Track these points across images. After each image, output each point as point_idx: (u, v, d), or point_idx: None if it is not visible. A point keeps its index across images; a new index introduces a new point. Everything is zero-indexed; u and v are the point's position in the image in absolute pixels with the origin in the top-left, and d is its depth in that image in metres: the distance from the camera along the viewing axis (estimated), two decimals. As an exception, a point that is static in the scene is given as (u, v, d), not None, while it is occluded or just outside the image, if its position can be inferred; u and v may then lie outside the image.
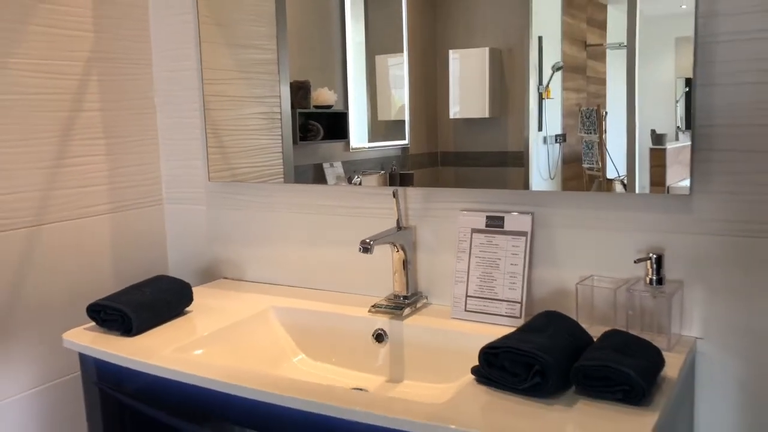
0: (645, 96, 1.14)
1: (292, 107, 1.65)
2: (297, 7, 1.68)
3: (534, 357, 0.91)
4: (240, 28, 1.65)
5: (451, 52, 1.44)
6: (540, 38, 1.32)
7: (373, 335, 1.28)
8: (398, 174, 1.52)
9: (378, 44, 1.61)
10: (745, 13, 1.02)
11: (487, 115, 1.39)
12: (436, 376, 1.18)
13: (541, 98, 1.31)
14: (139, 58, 1.65)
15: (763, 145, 1.03)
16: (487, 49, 1.38)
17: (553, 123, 1.28)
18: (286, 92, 1.64)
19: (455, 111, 1.45)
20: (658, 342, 1.04)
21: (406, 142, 1.61)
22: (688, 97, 1.08)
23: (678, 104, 1.11)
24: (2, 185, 1.36)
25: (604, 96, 1.21)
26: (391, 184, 1.45)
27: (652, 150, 1.13)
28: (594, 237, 1.18)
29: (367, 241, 1.20)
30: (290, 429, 0.99)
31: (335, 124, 1.65)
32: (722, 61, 1.04)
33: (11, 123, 1.37)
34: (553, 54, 1.30)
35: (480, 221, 1.26)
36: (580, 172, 1.25)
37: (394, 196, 1.35)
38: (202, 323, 1.32)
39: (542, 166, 1.28)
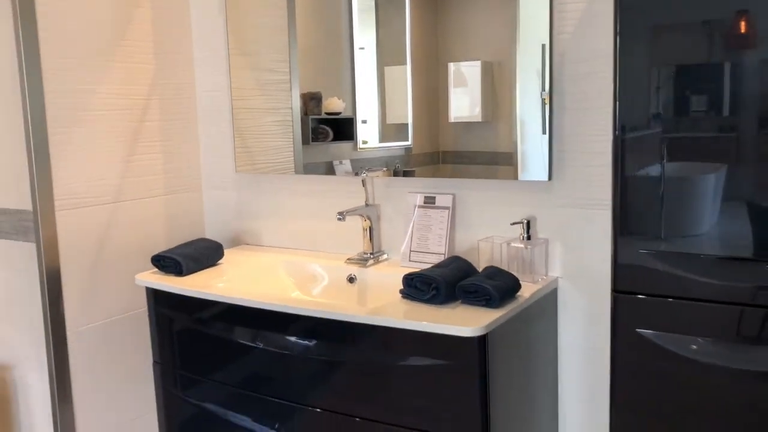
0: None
1: (305, 114, 2.11)
2: (309, 32, 2.11)
3: (432, 278, 1.47)
4: (260, 56, 2.18)
5: (450, 64, 1.79)
6: (543, 46, 1.59)
7: (347, 278, 1.84)
8: (402, 171, 1.94)
9: (387, 57, 1.97)
10: (582, 60, 1.56)
11: (480, 120, 1.76)
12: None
13: (543, 103, 1.60)
14: (185, 83, 2.23)
15: (590, 148, 1.57)
16: (480, 62, 1.75)
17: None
18: (296, 105, 2.16)
19: (454, 115, 1.79)
20: (528, 278, 1.58)
21: (409, 142, 2.10)
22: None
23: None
24: (93, 175, 1.95)
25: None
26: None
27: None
28: (493, 210, 1.72)
29: (342, 212, 1.77)
30: (286, 325, 1.57)
31: (344, 128, 2.07)
32: (569, 92, 1.58)
33: (99, 131, 1.96)
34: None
35: (420, 200, 1.82)
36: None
37: (363, 185, 1.91)
38: (229, 270, 1.90)
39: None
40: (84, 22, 1.91)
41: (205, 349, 1.77)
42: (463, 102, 1.78)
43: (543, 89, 1.59)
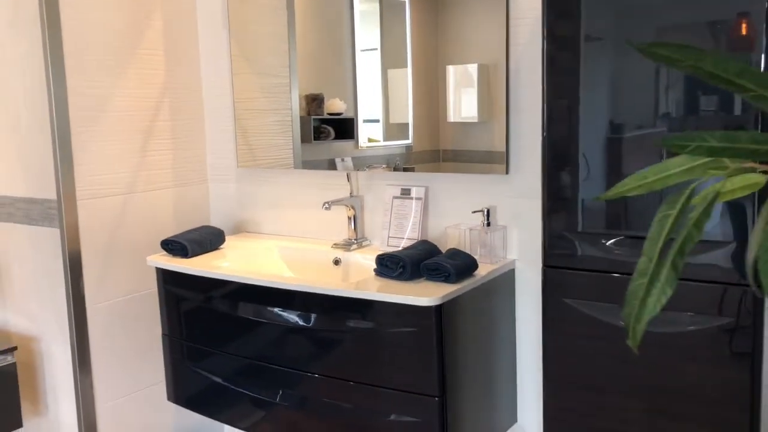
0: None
1: (308, 114, 2.31)
2: (310, 38, 2.32)
3: (400, 258, 1.70)
4: (261, 61, 2.42)
5: (449, 67, 1.94)
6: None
7: (333, 261, 2.08)
8: (402, 167, 2.11)
9: (390, 60, 2.14)
10: (530, 68, 1.78)
11: (476, 120, 1.93)
12: (366, 283, 1.97)
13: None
14: (193, 86, 2.48)
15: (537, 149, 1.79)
16: (476, 64, 1.90)
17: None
18: (295, 106, 2.40)
19: (452, 115, 1.95)
20: (487, 259, 1.81)
21: (409, 141, 2.30)
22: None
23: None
24: (109, 169, 2.20)
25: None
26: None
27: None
28: (459, 201, 1.95)
29: (328, 202, 2.01)
30: (278, 299, 1.81)
31: (346, 127, 2.26)
32: (525, 103, 1.80)
33: (116, 129, 2.21)
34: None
35: (398, 192, 2.05)
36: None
37: (348, 180, 2.14)
38: (230, 254, 2.14)
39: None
40: (102, 33, 2.15)
41: (208, 322, 2.01)
42: (461, 103, 1.95)
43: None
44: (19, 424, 2.15)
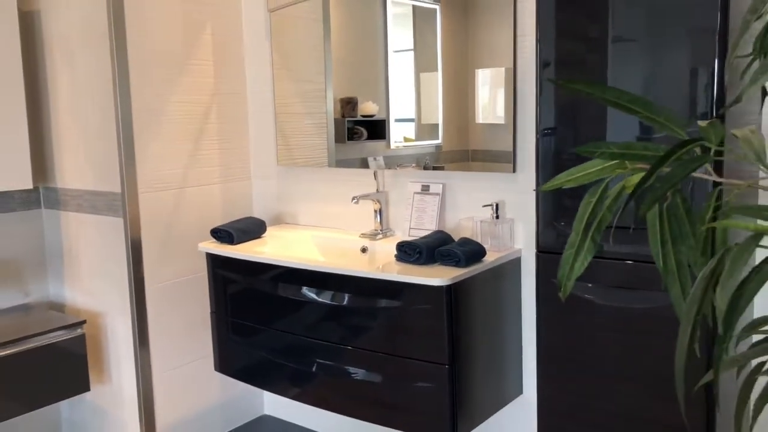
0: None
1: (342, 116, 2.56)
2: (345, 47, 2.57)
3: (417, 245, 1.96)
4: (299, 68, 2.69)
5: (477, 71, 2.11)
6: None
7: (360, 249, 2.34)
8: (431, 166, 2.32)
9: (422, 64, 2.31)
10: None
11: (503, 122, 2.11)
12: (389, 268, 2.23)
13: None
14: (238, 93, 2.77)
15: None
16: (503, 68, 2.07)
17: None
18: (330, 109, 2.66)
19: (480, 117, 2.12)
20: (495, 248, 2.05)
21: (439, 141, 2.53)
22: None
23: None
24: (165, 166, 2.50)
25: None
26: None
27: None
28: (471, 196, 2.19)
29: (356, 197, 2.27)
30: (312, 280, 2.08)
31: (378, 128, 2.48)
32: (529, 108, 2.04)
33: (171, 131, 2.51)
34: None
35: (418, 188, 2.31)
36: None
37: (374, 177, 2.40)
38: (270, 241, 2.42)
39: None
40: (161, 46, 2.46)
41: (251, 301, 2.30)
42: (490, 105, 2.13)
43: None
44: (87, 388, 2.47)
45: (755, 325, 0.82)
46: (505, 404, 2.12)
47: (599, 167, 0.85)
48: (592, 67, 1.63)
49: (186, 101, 2.56)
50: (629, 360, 1.63)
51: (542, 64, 1.70)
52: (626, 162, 0.83)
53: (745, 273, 0.70)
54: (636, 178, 0.82)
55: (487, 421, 2.05)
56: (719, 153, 0.77)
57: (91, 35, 2.40)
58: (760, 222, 0.68)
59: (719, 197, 0.76)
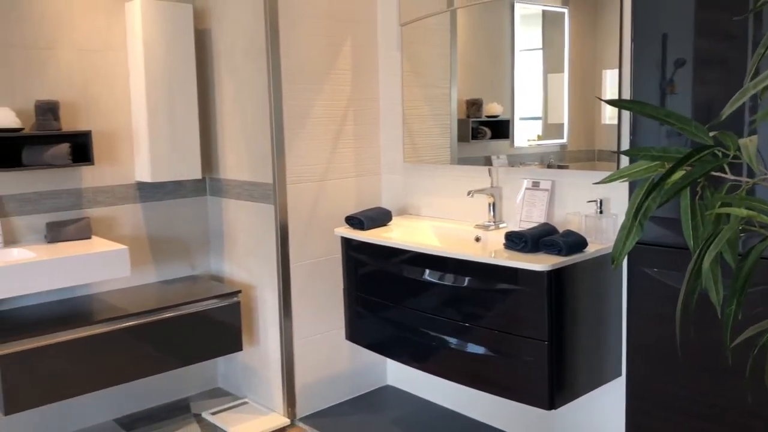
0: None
1: (467, 117, 2.81)
2: (472, 53, 2.83)
3: (523, 235, 2.20)
4: (426, 75, 2.99)
5: (605, 71, 2.22)
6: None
7: (474, 238, 2.62)
8: (556, 165, 2.51)
9: (550, 66, 2.44)
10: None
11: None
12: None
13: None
14: (372, 99, 3.13)
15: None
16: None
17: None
18: (454, 111, 2.94)
19: (607, 118, 2.25)
20: (598, 240, 2.25)
21: (564, 140, 2.73)
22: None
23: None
24: (309, 161, 2.91)
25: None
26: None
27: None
28: (579, 192, 2.40)
29: (471, 191, 2.55)
30: (430, 263, 2.39)
31: (501, 128, 2.71)
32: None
33: (314, 131, 2.91)
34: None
35: (529, 184, 2.54)
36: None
37: (489, 174, 2.66)
38: (395, 228, 2.76)
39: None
40: (307, 57, 2.86)
41: (378, 280, 2.64)
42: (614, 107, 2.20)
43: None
44: (240, 348, 2.93)
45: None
46: (603, 383, 2.31)
47: (644, 167, 1.08)
48: (734, 66, 1.73)
49: (327, 106, 2.95)
50: (716, 351, 1.78)
51: (676, 64, 1.85)
52: (665, 163, 1.06)
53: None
54: (677, 175, 1.04)
55: (586, 396, 2.26)
56: (737, 157, 0.98)
57: (251, 49, 2.84)
58: (745, 210, 0.89)
59: (729, 191, 0.97)
